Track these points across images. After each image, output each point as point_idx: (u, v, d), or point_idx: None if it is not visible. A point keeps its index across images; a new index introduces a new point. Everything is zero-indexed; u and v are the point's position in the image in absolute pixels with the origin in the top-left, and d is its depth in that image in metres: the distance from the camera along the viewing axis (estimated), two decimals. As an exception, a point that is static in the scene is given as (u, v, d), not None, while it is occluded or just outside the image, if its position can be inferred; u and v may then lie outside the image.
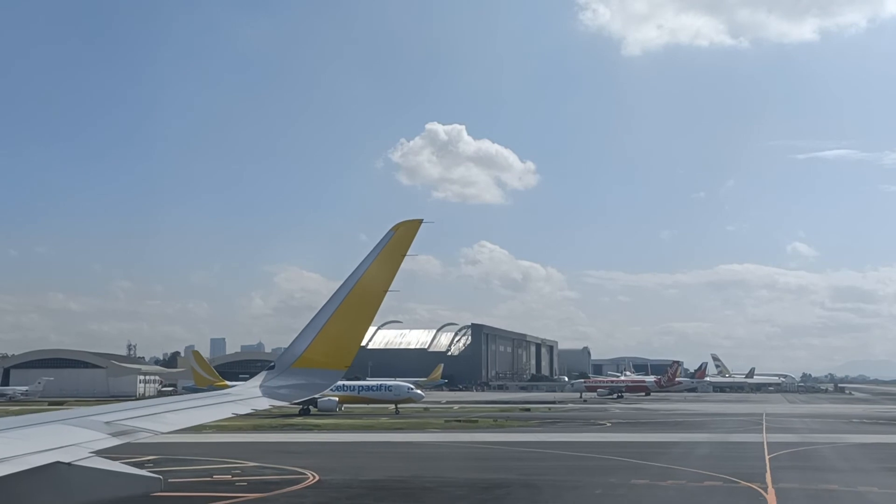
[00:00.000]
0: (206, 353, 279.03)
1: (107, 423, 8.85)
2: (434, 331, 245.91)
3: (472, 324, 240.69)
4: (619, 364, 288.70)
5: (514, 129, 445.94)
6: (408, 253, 11.79)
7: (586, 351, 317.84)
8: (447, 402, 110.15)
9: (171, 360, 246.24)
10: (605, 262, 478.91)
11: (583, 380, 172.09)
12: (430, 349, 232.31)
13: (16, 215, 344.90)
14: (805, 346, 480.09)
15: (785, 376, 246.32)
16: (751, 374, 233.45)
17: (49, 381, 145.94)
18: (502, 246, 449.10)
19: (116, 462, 7.82)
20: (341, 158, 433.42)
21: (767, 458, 40.42)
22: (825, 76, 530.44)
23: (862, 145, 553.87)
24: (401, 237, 11.97)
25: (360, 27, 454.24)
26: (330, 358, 11.77)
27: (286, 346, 12.28)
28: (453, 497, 29.15)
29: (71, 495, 7.42)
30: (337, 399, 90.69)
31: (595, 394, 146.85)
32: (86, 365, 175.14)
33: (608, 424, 69.43)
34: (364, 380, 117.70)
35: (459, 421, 73.00)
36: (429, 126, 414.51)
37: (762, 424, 69.61)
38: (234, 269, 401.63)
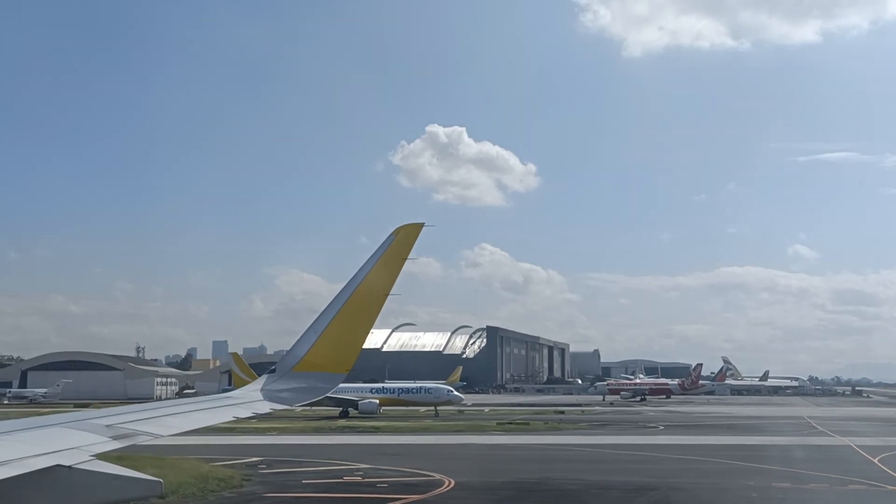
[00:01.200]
0: (207, 354, 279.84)
1: (107, 426, 8.87)
2: (448, 333, 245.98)
3: (487, 326, 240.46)
4: (627, 367, 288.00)
5: (515, 131, 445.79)
6: (409, 256, 11.83)
7: (596, 353, 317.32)
8: (473, 405, 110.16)
9: (183, 362, 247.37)
10: (605, 265, 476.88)
11: (605, 382, 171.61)
12: (445, 352, 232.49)
13: (15, 217, 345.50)
14: (806, 348, 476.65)
15: (796, 379, 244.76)
16: (765, 376, 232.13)
17: (68, 383, 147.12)
18: (503, 248, 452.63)
19: (117, 465, 7.84)
20: (342, 161, 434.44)
21: (876, 460, 40.16)
22: (826, 78, 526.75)
23: (863, 148, 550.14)
24: (402, 241, 11.98)
25: (360, 30, 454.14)
26: (331, 361, 11.80)
27: (288, 348, 12.33)
28: (613, 500, 29.30)
29: (71, 498, 7.44)
30: (377, 402, 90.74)
31: (618, 396, 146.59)
32: (103, 367, 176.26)
33: (660, 427, 68.69)
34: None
35: (511, 423, 72.55)
36: (429, 128, 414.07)
37: (819, 427, 68.98)
38: (235, 272, 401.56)
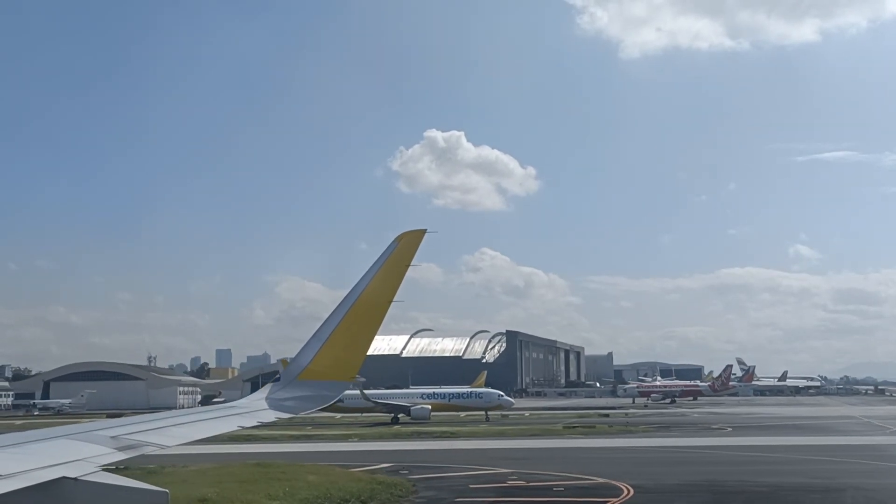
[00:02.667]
0: (211, 364, 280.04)
1: (113, 437, 8.92)
2: (467, 338, 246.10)
3: (507, 330, 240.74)
4: (639, 369, 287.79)
5: (514, 135, 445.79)
6: (411, 263, 11.84)
7: (610, 356, 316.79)
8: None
9: (199, 371, 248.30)
10: (606, 268, 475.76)
11: (635, 385, 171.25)
12: (465, 357, 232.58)
13: (15, 228, 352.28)
14: (808, 349, 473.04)
15: (813, 379, 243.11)
16: (783, 377, 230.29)
17: (92, 393, 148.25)
18: (503, 252, 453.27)
19: (123, 477, 7.87)
20: (341, 168, 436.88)
21: None
22: (825, 77, 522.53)
23: (861, 147, 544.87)
24: (404, 248, 11.99)
25: (356, 36, 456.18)
26: (336, 369, 11.83)
27: (291, 356, 12.38)
28: (816, 501, 29.45)
29: None
30: (430, 407, 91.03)
31: (648, 399, 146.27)
32: (125, 377, 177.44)
33: (728, 429, 68.30)
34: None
35: (575, 427, 72.50)
36: (427, 133, 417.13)
37: (888, 426, 68.84)
38: (235, 280, 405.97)
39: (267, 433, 69.92)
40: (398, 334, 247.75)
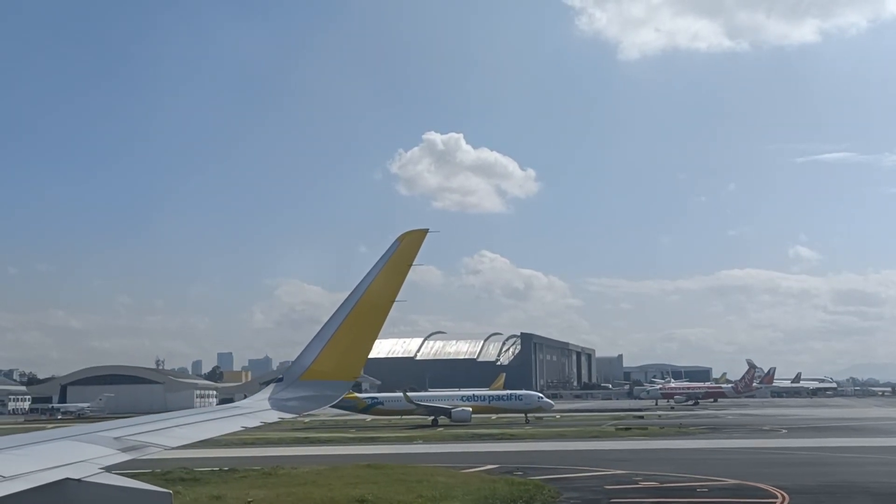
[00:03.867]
0: (211, 367, 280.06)
1: (116, 438, 8.95)
2: (481, 341, 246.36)
3: (522, 333, 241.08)
4: (647, 371, 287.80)
5: (513, 137, 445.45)
6: (413, 263, 11.84)
7: (620, 359, 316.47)
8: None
9: (210, 374, 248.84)
10: (606, 270, 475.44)
11: (658, 387, 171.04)
12: (480, 359, 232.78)
13: (15, 232, 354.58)
14: (808, 350, 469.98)
15: (822, 380, 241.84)
16: (797, 378, 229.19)
17: (110, 397, 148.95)
18: (503, 255, 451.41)
19: (126, 478, 7.89)
20: (340, 170, 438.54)
21: None
22: (824, 78, 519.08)
23: (861, 147, 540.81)
24: (406, 247, 12.00)
25: (354, 39, 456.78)
26: (338, 370, 11.83)
27: (293, 359, 12.41)
28: None
29: None
30: (470, 409, 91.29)
31: (670, 401, 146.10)
32: (142, 381, 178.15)
33: (784, 431, 68.35)
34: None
35: (630, 429, 72.97)
36: (426, 136, 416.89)
37: None
38: (235, 283, 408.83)
39: (321, 435, 72.82)
40: (413, 337, 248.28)
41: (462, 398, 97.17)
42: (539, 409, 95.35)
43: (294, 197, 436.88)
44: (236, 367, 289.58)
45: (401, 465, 40.95)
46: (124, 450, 8.51)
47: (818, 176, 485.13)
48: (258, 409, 10.91)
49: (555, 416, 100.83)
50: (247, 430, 10.28)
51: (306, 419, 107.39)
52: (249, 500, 30.63)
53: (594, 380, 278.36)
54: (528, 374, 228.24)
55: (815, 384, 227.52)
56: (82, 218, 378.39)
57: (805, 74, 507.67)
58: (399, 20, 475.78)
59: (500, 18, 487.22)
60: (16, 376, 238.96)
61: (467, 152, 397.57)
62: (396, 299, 11.81)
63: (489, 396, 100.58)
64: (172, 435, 9.39)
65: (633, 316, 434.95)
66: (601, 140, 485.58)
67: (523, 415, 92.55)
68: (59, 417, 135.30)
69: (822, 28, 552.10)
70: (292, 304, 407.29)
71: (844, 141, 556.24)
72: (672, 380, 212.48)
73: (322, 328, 12.02)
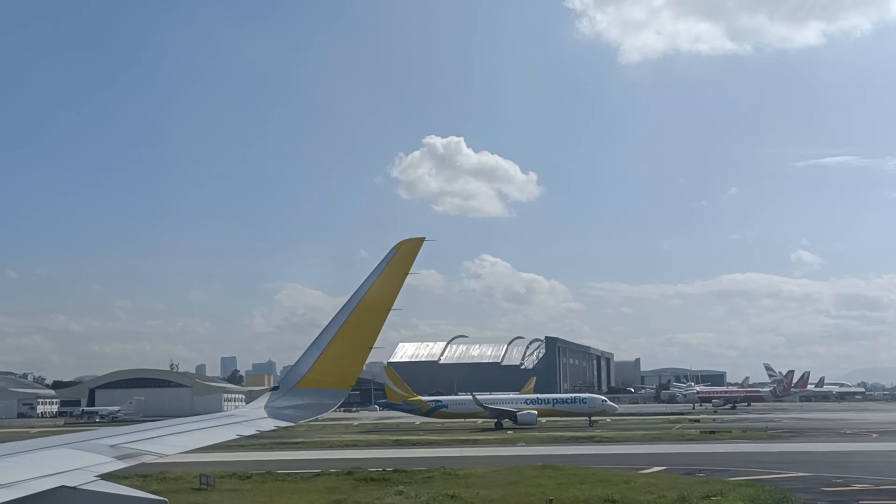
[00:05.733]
0: (216, 371, 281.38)
1: (111, 445, 8.99)
2: (504, 345, 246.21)
3: (546, 337, 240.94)
4: (660, 375, 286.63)
5: (515, 140, 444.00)
6: (410, 271, 11.82)
7: (637, 363, 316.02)
8: None
9: (231, 378, 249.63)
10: (607, 274, 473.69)
11: (695, 391, 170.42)
12: (504, 363, 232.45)
13: (15, 237, 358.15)
14: (810, 354, 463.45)
15: (841, 385, 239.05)
16: (821, 383, 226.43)
17: (140, 400, 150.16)
18: (504, 259, 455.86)
19: (121, 485, 7.91)
20: (340, 175, 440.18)
21: None
22: (826, 81, 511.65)
23: (863, 151, 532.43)
24: (403, 255, 11.98)
25: (354, 43, 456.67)
26: (335, 378, 11.82)
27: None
28: None
29: None
30: (536, 413, 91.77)
31: (710, 405, 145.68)
32: (170, 384, 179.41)
33: (874, 435, 68.75)
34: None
35: (714, 432, 73.69)
36: (427, 140, 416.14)
37: None
38: (235, 288, 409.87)
39: (411, 438, 74.41)
40: (436, 341, 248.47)
41: (526, 401, 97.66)
42: (603, 413, 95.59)
43: (294, 201, 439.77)
44: (240, 371, 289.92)
45: (578, 466, 41.95)
46: (120, 457, 8.55)
47: (820, 180, 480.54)
48: (254, 417, 10.92)
49: (605, 420, 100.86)
50: (242, 437, 10.29)
51: (355, 422, 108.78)
52: (551, 498, 31.33)
53: (612, 384, 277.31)
54: (554, 378, 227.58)
55: (837, 388, 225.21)
56: (83, 222, 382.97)
57: (807, 77, 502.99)
58: (399, 24, 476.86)
59: (501, 22, 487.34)
60: (30, 380, 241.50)
61: (468, 156, 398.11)
62: (393, 307, 11.80)
63: (553, 399, 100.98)
64: (167, 443, 9.42)
65: (634, 320, 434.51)
66: (602, 143, 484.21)
67: (587, 418, 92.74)
68: (98, 420, 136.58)
69: (825, 31, 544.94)
70: (293, 309, 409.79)
71: (846, 145, 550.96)
72: (694, 384, 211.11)
73: (318, 336, 11.99)
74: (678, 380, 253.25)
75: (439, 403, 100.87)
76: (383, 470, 43.65)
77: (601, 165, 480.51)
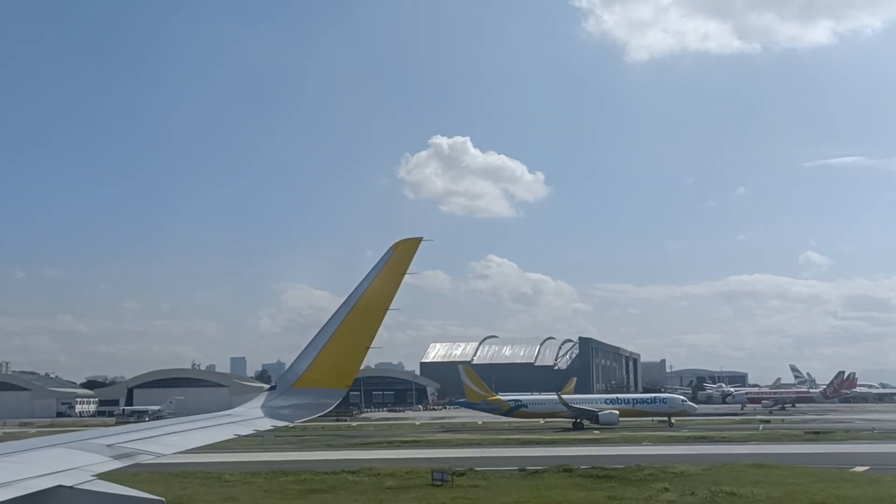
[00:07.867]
0: (225, 371, 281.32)
1: (108, 445, 9.06)
2: (536, 345, 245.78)
3: (580, 337, 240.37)
4: (681, 377, 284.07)
5: (522, 140, 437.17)
6: (409, 271, 11.79)
7: (663, 364, 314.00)
8: None
9: (260, 377, 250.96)
10: (614, 275, 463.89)
11: (745, 392, 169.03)
12: (537, 363, 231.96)
13: (21, 237, 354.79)
14: (818, 356, 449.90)
15: (882, 385, 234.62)
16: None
17: (179, 399, 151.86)
18: (511, 259, 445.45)
19: (117, 485, 7.97)
20: (346, 175, 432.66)
21: None
22: (836, 80, 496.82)
23: (871, 152, 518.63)
24: (401, 255, 11.97)
25: (360, 43, 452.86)
26: (332, 377, 11.83)
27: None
28: None
29: None
30: (617, 413, 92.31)
31: (759, 406, 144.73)
32: (207, 384, 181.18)
33: None
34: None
35: (817, 433, 74.06)
36: (433, 140, 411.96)
37: None
38: (242, 288, 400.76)
39: (523, 437, 75.26)
40: (468, 342, 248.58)
41: (606, 401, 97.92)
42: (683, 413, 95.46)
43: (300, 201, 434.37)
44: (249, 371, 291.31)
45: (797, 466, 43.27)
46: (117, 457, 8.63)
47: (828, 180, 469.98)
48: (251, 417, 10.97)
49: (671, 421, 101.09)
50: (239, 437, 10.33)
51: (417, 422, 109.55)
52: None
53: (639, 384, 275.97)
54: (588, 379, 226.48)
55: (876, 388, 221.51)
56: (89, 223, 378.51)
57: (816, 77, 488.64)
58: (405, 24, 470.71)
59: (507, 21, 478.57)
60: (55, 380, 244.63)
61: (475, 156, 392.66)
62: (391, 307, 11.77)
63: (633, 400, 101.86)
64: (165, 442, 9.48)
65: (640, 321, 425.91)
66: (609, 143, 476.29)
67: (667, 418, 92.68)
68: (147, 419, 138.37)
69: (835, 30, 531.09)
70: (299, 309, 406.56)
71: (855, 145, 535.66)
72: (725, 386, 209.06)
73: (315, 336, 12.00)
74: (702, 381, 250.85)
75: (519, 403, 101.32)
76: (592, 467, 45.35)
77: (608, 165, 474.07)
